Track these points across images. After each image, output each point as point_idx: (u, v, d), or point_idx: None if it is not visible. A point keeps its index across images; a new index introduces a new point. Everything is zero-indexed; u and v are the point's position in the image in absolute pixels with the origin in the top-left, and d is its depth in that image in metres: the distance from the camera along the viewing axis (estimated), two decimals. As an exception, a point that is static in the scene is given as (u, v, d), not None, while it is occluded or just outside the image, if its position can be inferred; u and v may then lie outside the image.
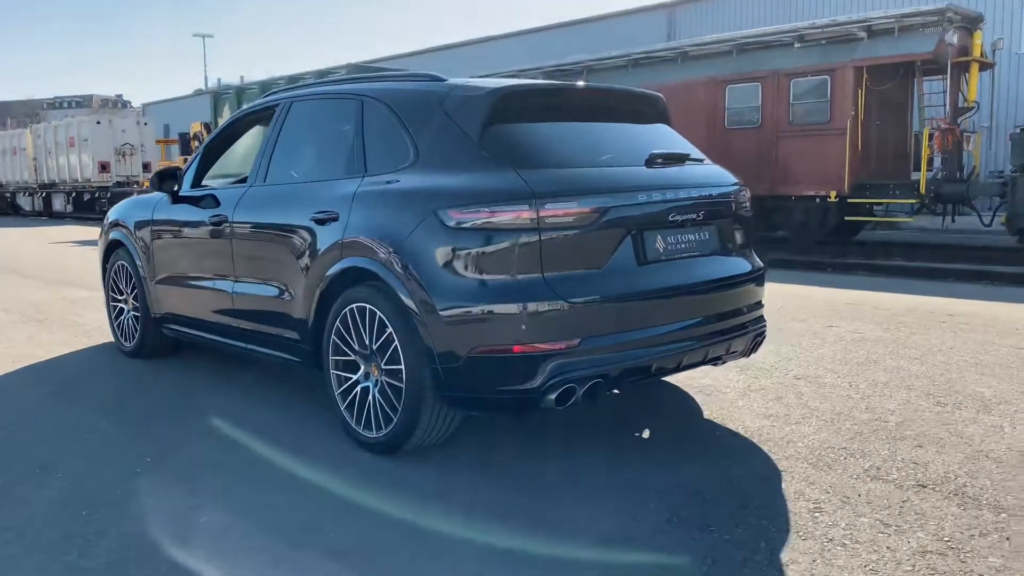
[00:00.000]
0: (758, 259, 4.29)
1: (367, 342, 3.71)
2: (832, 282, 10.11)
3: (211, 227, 4.75)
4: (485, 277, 3.32)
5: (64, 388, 5.13)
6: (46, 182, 30.49)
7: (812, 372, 5.22)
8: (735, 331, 3.95)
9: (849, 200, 13.97)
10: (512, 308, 3.27)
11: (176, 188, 5.14)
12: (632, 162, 3.76)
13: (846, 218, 14.20)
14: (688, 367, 3.82)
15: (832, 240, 14.91)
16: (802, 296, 8.53)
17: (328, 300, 3.90)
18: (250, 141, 5.17)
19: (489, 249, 3.30)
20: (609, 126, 4.02)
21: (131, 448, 3.96)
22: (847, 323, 6.92)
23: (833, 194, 14.00)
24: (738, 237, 4.12)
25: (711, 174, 4.10)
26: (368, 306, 3.67)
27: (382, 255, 3.58)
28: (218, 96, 21.28)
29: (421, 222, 3.44)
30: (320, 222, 3.92)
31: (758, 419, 4.26)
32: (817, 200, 14.31)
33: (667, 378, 4.78)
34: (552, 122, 3.81)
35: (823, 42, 14.40)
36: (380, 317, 3.61)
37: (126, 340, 5.87)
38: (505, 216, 3.27)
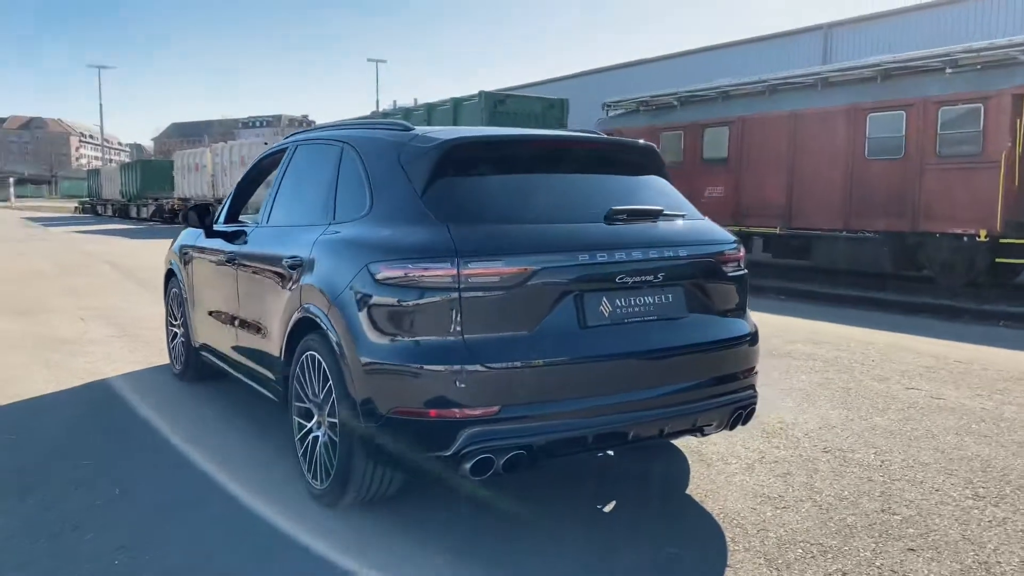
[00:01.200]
0: (748, 322, 3.90)
1: (317, 391, 3.70)
2: (958, 333, 9.11)
3: (226, 263, 4.92)
4: (407, 336, 3.20)
5: (91, 410, 5.46)
6: (221, 197, 33.14)
7: (847, 444, 4.69)
8: (706, 402, 3.60)
9: (1001, 240, 12.60)
10: (429, 369, 3.14)
11: (210, 222, 5.36)
12: (589, 218, 3.52)
13: (997, 259, 12.81)
14: (643, 439, 3.52)
15: (986, 283, 13.50)
16: (903, 349, 7.75)
17: (292, 344, 3.92)
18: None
19: (412, 307, 3.19)
20: (576, 178, 3.80)
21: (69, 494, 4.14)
22: (933, 385, 6.19)
23: (983, 233, 12.66)
24: (719, 299, 3.76)
25: (687, 231, 3.78)
26: (316, 355, 3.65)
27: (325, 305, 3.55)
28: (408, 112, 21.98)
29: (356, 274, 3.38)
30: (291, 267, 3.95)
31: (745, 499, 3.86)
32: (965, 239, 13.01)
33: (674, 441, 4.47)
34: (506, 175, 3.64)
35: (978, 67, 13.12)
36: (324, 367, 3.59)
37: (176, 363, 6.20)
38: (426, 273, 3.15)
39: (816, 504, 3.80)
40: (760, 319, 4.25)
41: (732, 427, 3.78)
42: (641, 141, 4.11)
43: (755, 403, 3.84)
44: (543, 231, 3.39)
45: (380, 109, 45.14)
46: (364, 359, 3.29)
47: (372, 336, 3.29)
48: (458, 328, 3.14)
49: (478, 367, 3.11)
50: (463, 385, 3.12)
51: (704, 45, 30.76)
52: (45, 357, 6.99)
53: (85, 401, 5.65)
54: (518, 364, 3.17)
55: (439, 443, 3.13)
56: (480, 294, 3.15)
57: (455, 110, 18.75)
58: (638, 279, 3.43)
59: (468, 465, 3.10)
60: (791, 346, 7.77)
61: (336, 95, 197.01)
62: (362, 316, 3.33)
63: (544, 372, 3.21)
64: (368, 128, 4.11)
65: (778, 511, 3.72)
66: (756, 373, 3.91)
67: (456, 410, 3.11)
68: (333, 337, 3.46)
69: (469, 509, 3.75)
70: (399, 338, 3.21)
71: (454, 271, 3.12)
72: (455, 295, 3.12)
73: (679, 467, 4.32)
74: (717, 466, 4.31)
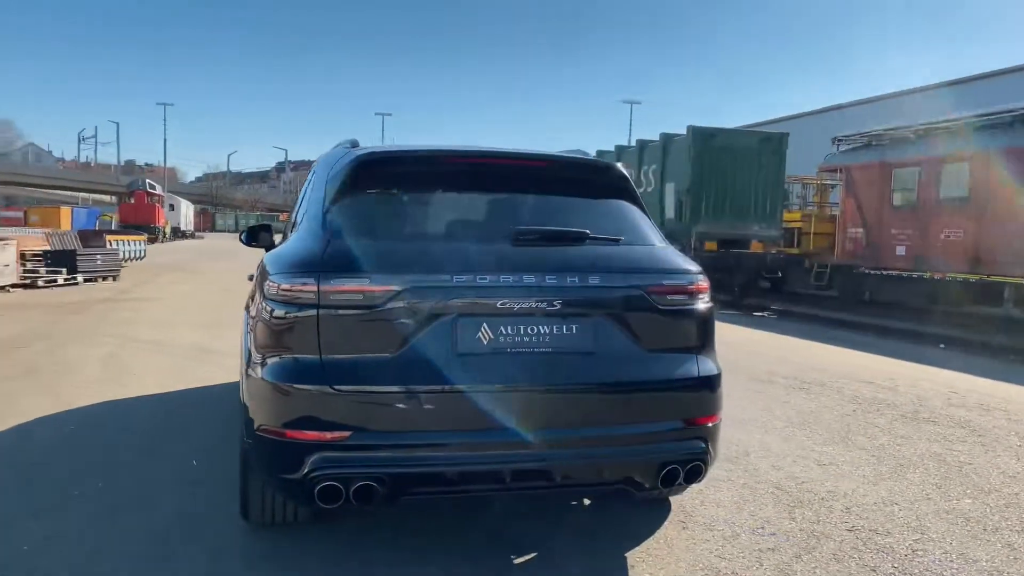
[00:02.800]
0: (699, 364, 3.34)
1: None
2: None
3: None
4: (278, 352, 3.11)
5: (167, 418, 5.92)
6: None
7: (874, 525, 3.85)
8: (616, 450, 3.13)
9: None
10: (287, 387, 3.02)
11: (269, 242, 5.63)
12: (497, 239, 3.23)
13: None
14: (530, 485, 3.13)
15: None
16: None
17: None
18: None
19: (283, 323, 3.10)
20: (502, 198, 3.52)
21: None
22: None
23: None
24: (656, 335, 3.26)
25: (617, 257, 3.32)
26: None
27: (249, 316, 3.60)
28: (621, 151, 22.25)
29: (261, 286, 3.36)
30: (249, 277, 4.08)
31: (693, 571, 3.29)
32: None
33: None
34: (421, 191, 3.46)
35: None
36: None
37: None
38: (292, 289, 3.05)
39: (767, 590, 3.15)
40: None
41: (667, 484, 3.25)
42: (601, 160, 3.72)
43: (703, 459, 3.28)
44: (423, 249, 3.17)
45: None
46: (248, 371, 3.27)
47: (254, 349, 3.26)
48: (316, 347, 3.01)
49: (327, 388, 2.96)
50: (315, 407, 2.98)
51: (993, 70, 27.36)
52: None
53: (167, 406, 6.17)
54: (372, 388, 2.97)
55: (290, 466, 3.00)
56: (341, 312, 2.99)
57: (664, 146, 18.33)
58: (529, 306, 3.08)
59: (315, 491, 2.95)
60: None
61: (597, 131, 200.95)
62: (256, 328, 3.31)
63: (403, 399, 2.98)
64: (335, 149, 4.13)
65: (711, 591, 3.13)
66: (712, 424, 3.34)
67: (306, 432, 2.97)
68: (243, 347, 3.49)
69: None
70: (272, 353, 3.13)
71: (314, 287, 3.00)
72: (314, 312, 3.00)
73: (649, 522, 3.79)
74: (689, 528, 3.72)
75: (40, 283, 16.23)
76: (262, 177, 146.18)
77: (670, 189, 17.92)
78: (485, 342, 3.05)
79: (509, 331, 3.07)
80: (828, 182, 20.56)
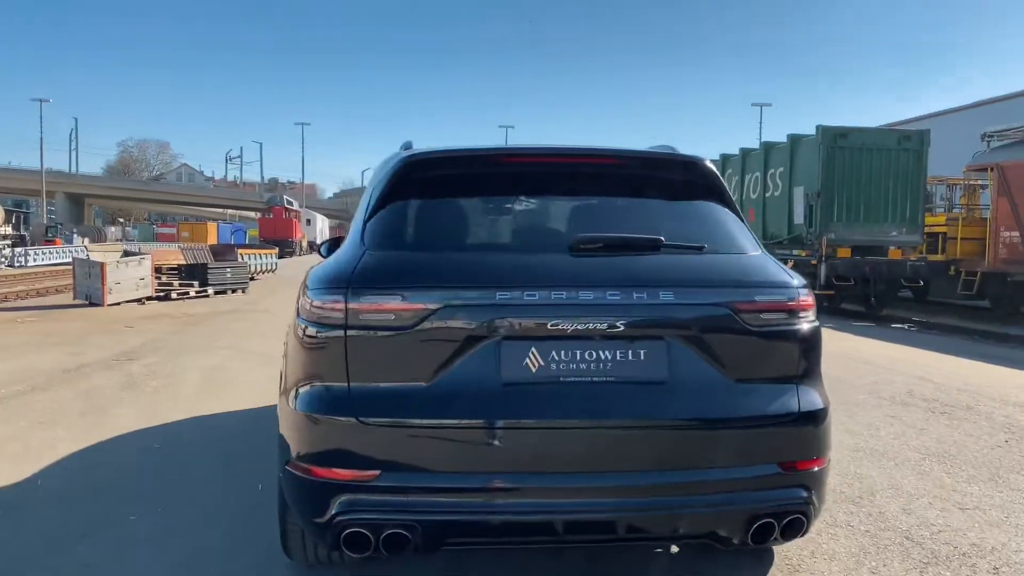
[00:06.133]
0: (801, 397, 2.76)
1: None
2: None
3: None
4: (304, 377, 2.78)
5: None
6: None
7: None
8: (697, 499, 2.63)
9: None
10: (314, 419, 2.67)
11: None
12: (554, 249, 2.79)
13: None
14: (589, 538, 2.67)
15: None
16: None
17: None
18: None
19: (311, 343, 2.77)
20: (564, 202, 3.08)
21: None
22: None
23: None
24: (745, 361, 2.73)
25: (700, 269, 2.81)
26: None
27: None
28: (725, 159, 21.34)
29: (298, 303, 3.05)
30: None
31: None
32: None
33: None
34: (473, 196, 3.07)
35: None
36: None
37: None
38: (323, 306, 2.72)
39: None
40: None
41: (760, 540, 2.71)
42: (682, 154, 3.19)
43: (805, 511, 2.71)
44: (465, 261, 2.77)
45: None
46: (280, 398, 2.97)
47: (286, 373, 2.96)
48: (344, 374, 2.66)
49: (354, 420, 2.60)
50: (342, 441, 2.63)
51: None
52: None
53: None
54: (404, 421, 2.59)
55: (316, 507, 2.66)
56: (370, 333, 2.63)
57: (791, 148, 17.22)
58: (586, 327, 2.62)
59: (340, 537, 2.59)
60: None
61: (728, 135, 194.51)
62: (288, 350, 3.02)
63: (438, 435, 2.59)
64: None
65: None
66: (817, 470, 2.77)
67: (332, 470, 2.63)
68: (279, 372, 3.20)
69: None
70: (301, 379, 2.80)
71: (342, 304, 2.65)
72: (342, 332, 2.66)
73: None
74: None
75: (173, 295, 16.94)
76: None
77: (799, 193, 16.82)
78: (534, 369, 2.61)
79: (563, 356, 2.62)
80: (977, 182, 18.88)
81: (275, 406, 4.95)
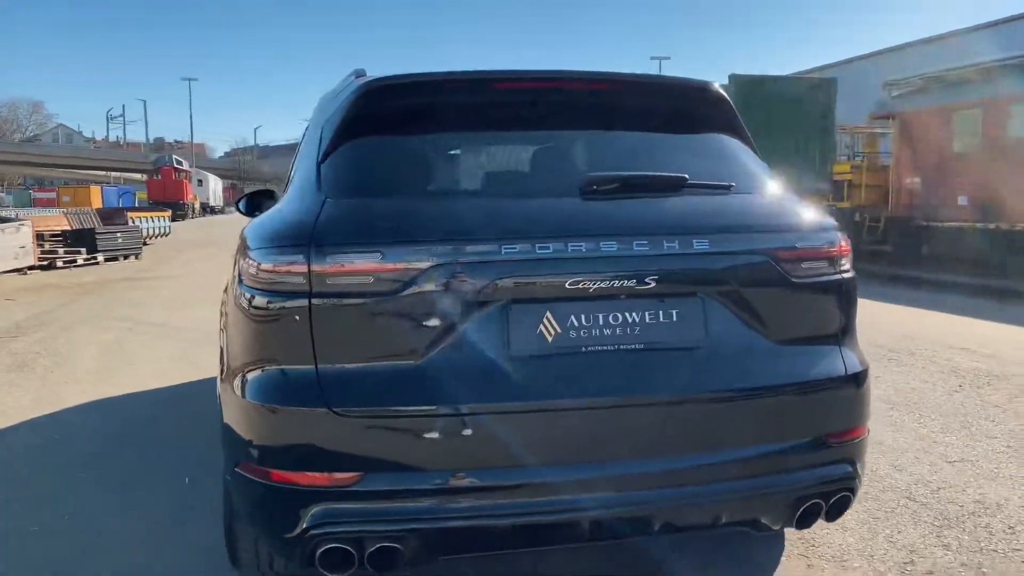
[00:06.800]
0: (845, 357, 2.41)
1: None
2: None
3: None
4: (256, 359, 2.24)
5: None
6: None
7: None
8: (738, 483, 2.24)
9: None
10: (269, 409, 2.15)
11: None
12: (561, 191, 2.32)
13: None
14: (618, 536, 2.25)
15: None
16: None
17: None
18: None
19: (263, 318, 2.23)
20: (564, 135, 2.60)
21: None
22: None
23: None
24: (784, 319, 2.34)
25: (731, 211, 2.40)
26: None
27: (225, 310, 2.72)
28: None
29: (237, 268, 2.47)
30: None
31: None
32: None
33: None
34: (454, 131, 2.55)
35: None
36: None
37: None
38: (276, 269, 2.17)
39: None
40: None
41: (804, 525, 2.36)
42: (692, 80, 2.75)
43: (852, 488, 2.37)
44: (457, 209, 2.27)
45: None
46: (222, 385, 2.42)
47: (229, 355, 2.40)
48: (310, 353, 2.12)
49: (325, 410, 2.07)
50: (310, 437, 2.11)
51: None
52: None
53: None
54: (391, 410, 2.09)
55: (280, 520, 2.14)
56: (343, 301, 2.10)
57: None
58: (611, 284, 2.17)
59: (317, 554, 2.09)
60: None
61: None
62: (230, 326, 2.46)
63: (435, 425, 2.10)
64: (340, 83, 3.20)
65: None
66: (859, 440, 2.43)
67: (300, 474, 2.11)
68: (219, 349, 2.63)
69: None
70: (251, 362, 2.26)
71: (304, 267, 2.11)
72: (305, 301, 2.11)
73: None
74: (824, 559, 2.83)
75: (59, 264, 15.61)
76: (290, 149, 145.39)
77: (712, 143, 16.80)
78: (550, 338, 2.14)
79: (584, 322, 2.16)
80: (879, 130, 19.30)
81: (187, 384, 4.22)
